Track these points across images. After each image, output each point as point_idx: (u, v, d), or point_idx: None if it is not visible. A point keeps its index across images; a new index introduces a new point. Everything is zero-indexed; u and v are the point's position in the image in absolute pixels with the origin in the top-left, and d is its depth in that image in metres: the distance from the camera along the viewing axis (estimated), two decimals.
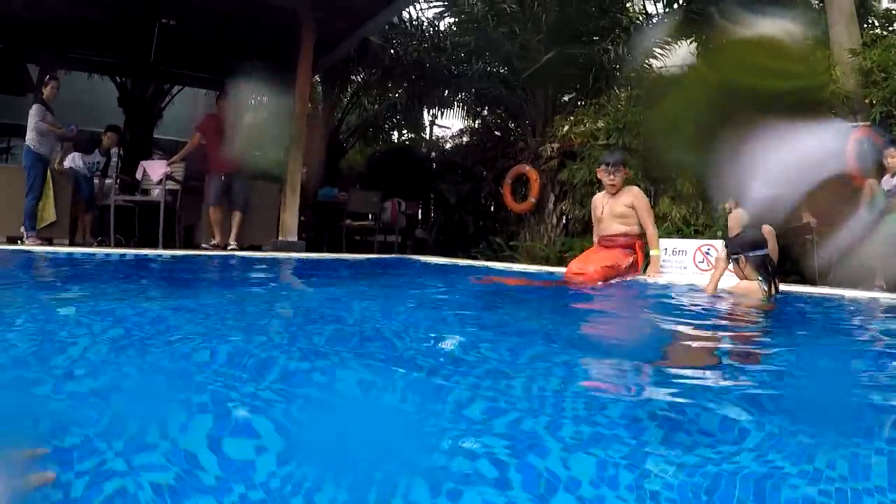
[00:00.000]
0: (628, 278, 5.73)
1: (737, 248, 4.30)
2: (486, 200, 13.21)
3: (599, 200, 6.17)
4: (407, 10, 12.07)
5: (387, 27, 12.03)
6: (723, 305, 4.24)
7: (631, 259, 5.86)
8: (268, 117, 11.55)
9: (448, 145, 15.11)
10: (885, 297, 5.02)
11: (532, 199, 10.62)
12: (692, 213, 8.64)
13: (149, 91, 12.63)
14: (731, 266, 4.37)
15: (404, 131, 16.31)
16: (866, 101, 7.23)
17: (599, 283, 5.53)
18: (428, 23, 12.80)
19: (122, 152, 12.30)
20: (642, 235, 5.97)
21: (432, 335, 2.45)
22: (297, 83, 9.04)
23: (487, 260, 9.90)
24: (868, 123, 6.88)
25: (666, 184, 9.15)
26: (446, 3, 11.80)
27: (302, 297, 4.20)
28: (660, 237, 7.19)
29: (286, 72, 9.54)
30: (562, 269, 6.42)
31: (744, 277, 4.31)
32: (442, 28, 12.80)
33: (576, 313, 4.10)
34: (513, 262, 9.58)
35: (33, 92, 11.47)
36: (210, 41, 10.74)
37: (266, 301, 3.68)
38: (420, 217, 14.30)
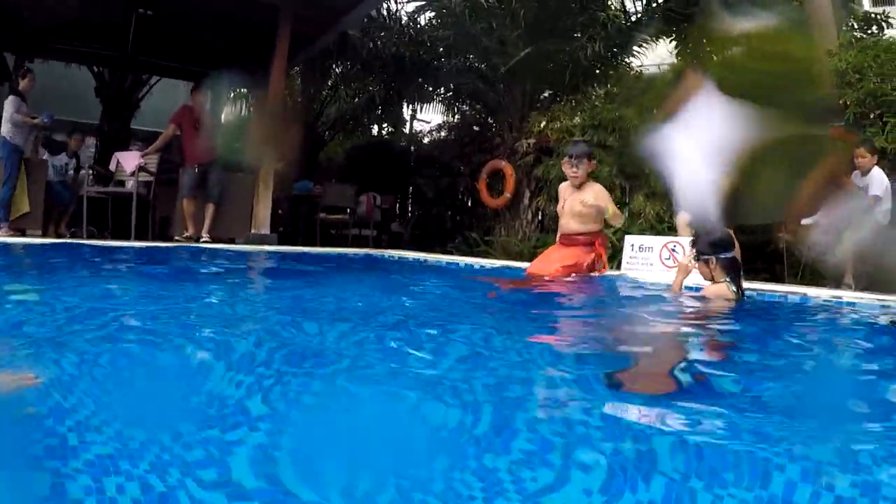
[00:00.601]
0: (595, 275, 5.75)
1: (707, 249, 4.21)
2: (463, 195, 13.23)
3: (564, 191, 6.13)
4: (386, 4, 12.09)
5: (366, 21, 12.03)
6: (696, 306, 4.22)
7: (592, 256, 5.85)
8: (243, 109, 11.58)
9: (426, 140, 15.10)
10: (849, 296, 5.09)
11: (507, 195, 10.64)
12: (666, 210, 8.70)
13: (126, 82, 12.58)
14: (697, 266, 4.29)
15: (384, 125, 16.30)
16: (840, 102, 7.20)
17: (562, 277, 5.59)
18: (408, 17, 12.81)
19: (98, 143, 12.30)
20: (602, 232, 6.01)
21: None
22: (272, 76, 9.03)
23: (463, 255, 9.94)
24: (842, 125, 6.94)
25: (640, 180, 9.20)
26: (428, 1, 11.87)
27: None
28: (633, 234, 7.29)
29: (263, 64, 9.54)
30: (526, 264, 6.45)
31: (711, 278, 4.25)
32: (422, 22, 12.80)
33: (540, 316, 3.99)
34: (488, 257, 9.62)
35: (9, 81, 11.43)
36: (188, 33, 10.70)
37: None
38: (398, 211, 14.32)
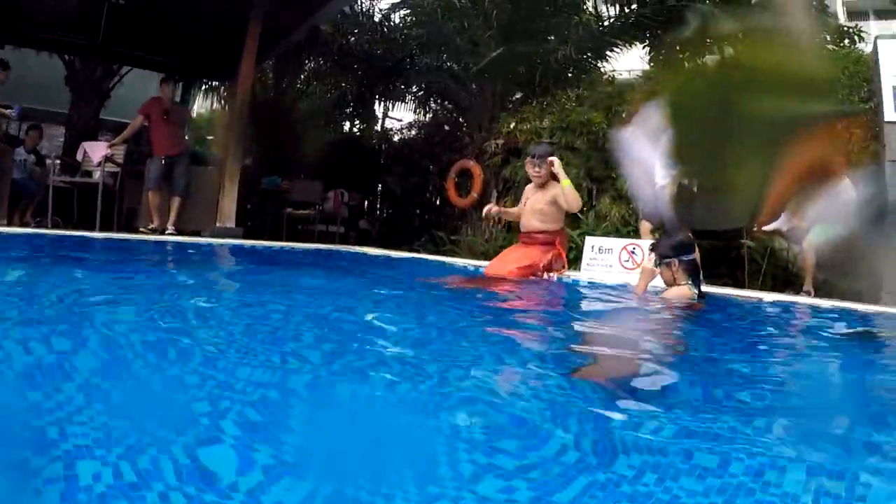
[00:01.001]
0: (554, 276, 5.81)
1: (668, 252, 4.26)
2: (432, 194, 13.29)
3: (528, 191, 6.19)
4: (359, 0, 12.12)
5: (339, 17, 12.06)
6: (659, 308, 4.24)
7: (550, 256, 5.87)
8: (213, 102, 11.55)
9: (396, 138, 15.14)
10: (802, 301, 5.19)
11: (474, 195, 10.71)
12: (631, 214, 8.81)
13: (97, 71, 12.48)
14: (660, 270, 4.33)
15: (356, 122, 16.30)
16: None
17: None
18: (381, 15, 12.84)
19: (67, 133, 12.21)
20: (563, 231, 6.05)
21: None
22: (241, 69, 9.03)
23: (429, 253, 10.01)
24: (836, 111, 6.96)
25: (607, 183, 9.32)
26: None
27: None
28: (598, 235, 7.37)
29: (235, 57, 9.54)
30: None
31: (672, 281, 4.29)
32: (396, 20, 12.85)
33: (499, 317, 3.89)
34: (453, 256, 9.70)
35: None
36: (159, 23, 10.65)
37: None
38: (367, 208, 14.34)
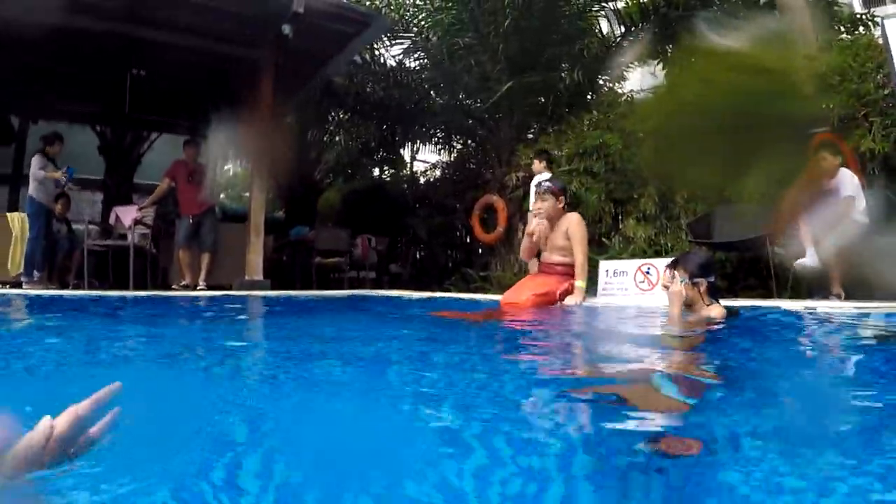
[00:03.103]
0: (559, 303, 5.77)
1: (698, 271, 4.08)
2: (460, 232, 13.35)
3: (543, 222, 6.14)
4: (368, 50, 12.34)
5: (351, 67, 12.31)
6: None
7: (566, 285, 5.88)
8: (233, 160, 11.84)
9: (422, 180, 15.30)
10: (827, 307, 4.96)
11: (500, 229, 10.72)
12: (657, 234, 8.72)
13: (127, 139, 12.96)
14: (688, 291, 4.07)
15: (385, 168, 16.52)
16: (823, 106, 6.89)
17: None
18: (396, 61, 13.03)
19: (104, 198, 12.64)
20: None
21: None
22: (256, 125, 9.26)
23: (460, 292, 10.02)
24: (827, 129, 6.76)
25: (629, 204, 9.25)
26: (411, 43, 12.14)
27: None
28: (625, 258, 7.32)
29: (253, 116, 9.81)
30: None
31: (696, 302, 4.09)
32: (410, 64, 13.04)
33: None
34: (484, 293, 9.68)
35: (14, 142, 11.84)
36: (179, 89, 11.07)
37: None
38: (400, 252, 14.45)
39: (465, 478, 1.29)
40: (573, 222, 6.02)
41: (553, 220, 6.10)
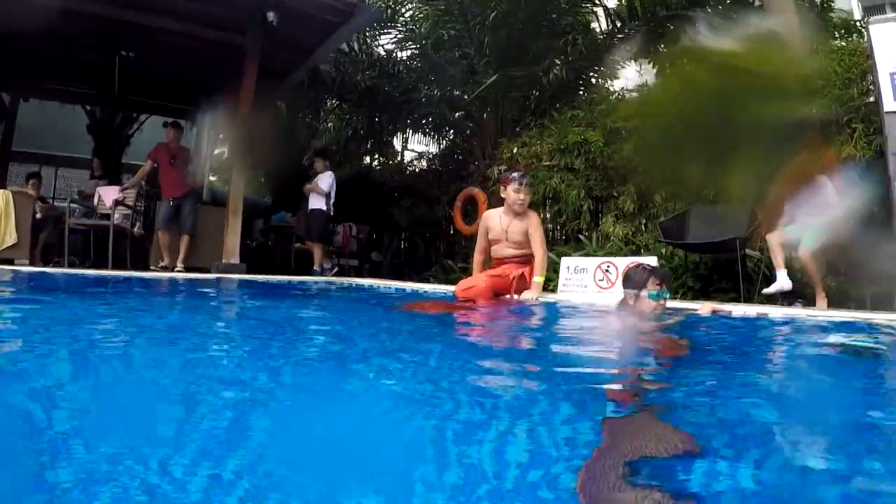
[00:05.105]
0: (515, 297, 5.73)
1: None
2: (443, 223, 13.39)
3: (500, 219, 6.08)
4: (356, 39, 12.37)
5: (338, 55, 12.33)
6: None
7: (521, 270, 5.87)
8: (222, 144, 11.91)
9: (409, 170, 15.32)
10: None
11: (479, 221, 10.74)
12: (634, 232, 8.77)
13: (117, 119, 13.05)
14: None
15: (376, 156, 16.54)
16: (805, 110, 6.82)
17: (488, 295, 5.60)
18: (385, 51, 13.06)
19: (90, 178, 12.73)
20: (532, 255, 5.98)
21: None
22: (239, 110, 9.32)
23: (438, 283, 10.06)
24: (814, 133, 6.69)
25: (609, 202, 9.31)
26: (398, 34, 12.19)
27: None
28: (601, 255, 7.34)
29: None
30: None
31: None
32: (397, 55, 13.07)
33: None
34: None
35: (5, 119, 11.93)
36: (167, 73, 11.15)
37: None
38: (384, 241, 14.49)
39: None
40: (534, 223, 5.95)
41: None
